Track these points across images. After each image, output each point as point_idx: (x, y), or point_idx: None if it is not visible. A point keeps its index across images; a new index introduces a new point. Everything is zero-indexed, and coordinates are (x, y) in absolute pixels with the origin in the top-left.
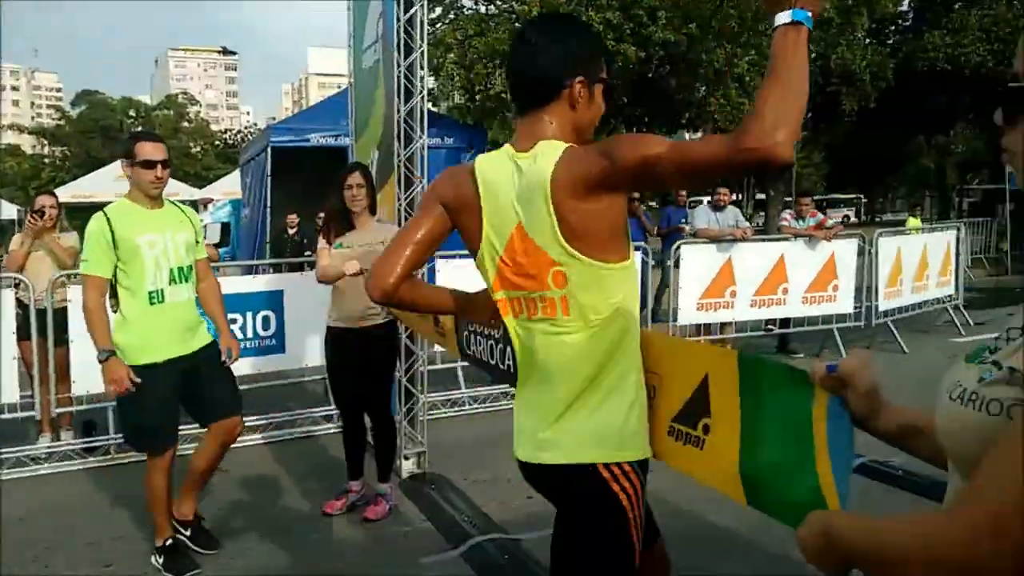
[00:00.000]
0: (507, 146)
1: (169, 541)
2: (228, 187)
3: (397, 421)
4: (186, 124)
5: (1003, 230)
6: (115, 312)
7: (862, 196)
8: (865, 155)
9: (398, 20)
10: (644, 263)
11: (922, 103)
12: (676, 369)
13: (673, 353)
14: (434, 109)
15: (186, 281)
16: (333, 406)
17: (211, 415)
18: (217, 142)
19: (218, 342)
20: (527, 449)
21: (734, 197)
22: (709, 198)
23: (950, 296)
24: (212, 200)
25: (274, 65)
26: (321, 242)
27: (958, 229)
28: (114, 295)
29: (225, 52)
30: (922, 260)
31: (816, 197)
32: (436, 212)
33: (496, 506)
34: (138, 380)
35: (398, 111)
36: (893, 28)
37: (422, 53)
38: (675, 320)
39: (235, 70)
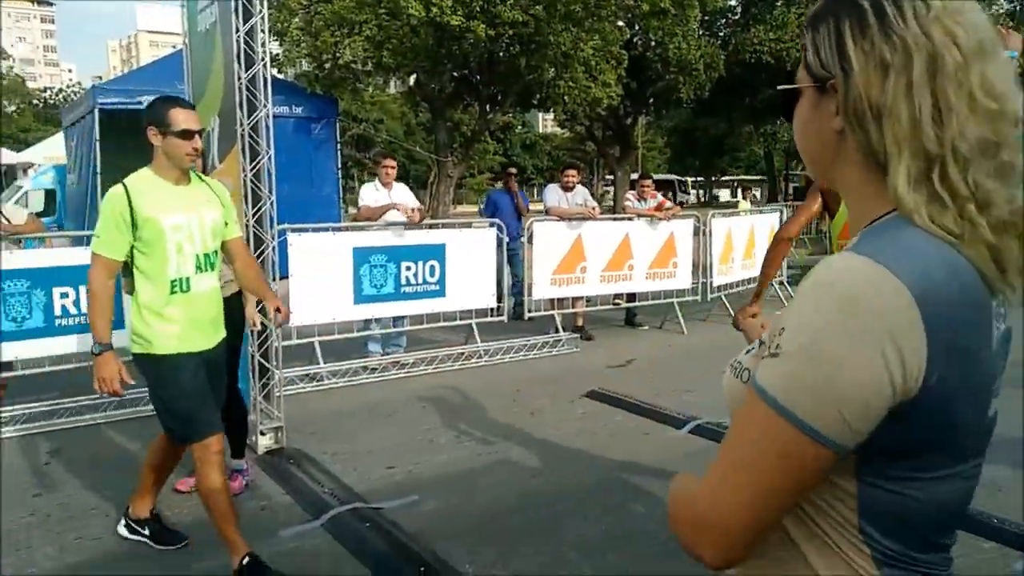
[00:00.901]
0: None
1: (247, 560)
2: (50, 151)
3: (252, 397)
4: None
5: (822, 213)
6: (128, 293)
7: (699, 179)
8: (702, 141)
9: None
10: (499, 239)
11: (751, 93)
12: None
13: None
14: (280, 76)
15: (212, 269)
16: None
17: None
18: (36, 101)
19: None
20: None
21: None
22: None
23: (776, 272)
24: (33, 165)
25: (98, 20)
26: None
27: (780, 212)
28: (127, 274)
29: (39, 2)
30: (750, 240)
31: (669, 179)
32: (818, 196)
33: (356, 477)
34: (131, 381)
35: (239, 78)
36: (723, 21)
37: (263, 18)
38: (530, 295)
39: (52, 23)
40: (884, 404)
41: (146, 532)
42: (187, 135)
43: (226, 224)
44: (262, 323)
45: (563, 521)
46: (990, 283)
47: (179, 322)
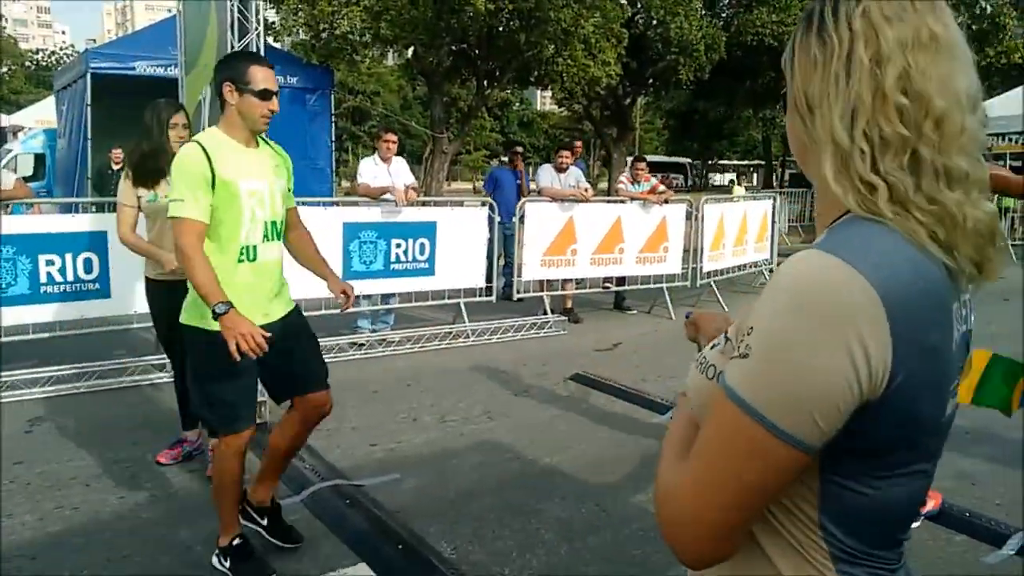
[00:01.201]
0: None
1: (237, 540)
2: (41, 114)
3: None
4: None
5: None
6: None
7: (697, 161)
8: (701, 123)
9: None
10: (490, 218)
11: (751, 77)
12: None
13: None
14: (276, 45)
15: (278, 238)
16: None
17: (298, 388)
18: (28, 63)
19: (300, 307)
20: None
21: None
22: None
23: (766, 260)
24: (23, 128)
25: None
26: (129, 192)
27: (774, 198)
28: None
29: None
30: (742, 226)
31: (680, 161)
32: None
33: (339, 454)
34: (270, 335)
35: (232, 47)
36: (726, 2)
37: None
38: (520, 275)
39: None
40: (851, 403)
41: (263, 522)
42: (266, 95)
43: (289, 190)
44: None
45: (543, 503)
46: (948, 270)
47: (241, 293)
